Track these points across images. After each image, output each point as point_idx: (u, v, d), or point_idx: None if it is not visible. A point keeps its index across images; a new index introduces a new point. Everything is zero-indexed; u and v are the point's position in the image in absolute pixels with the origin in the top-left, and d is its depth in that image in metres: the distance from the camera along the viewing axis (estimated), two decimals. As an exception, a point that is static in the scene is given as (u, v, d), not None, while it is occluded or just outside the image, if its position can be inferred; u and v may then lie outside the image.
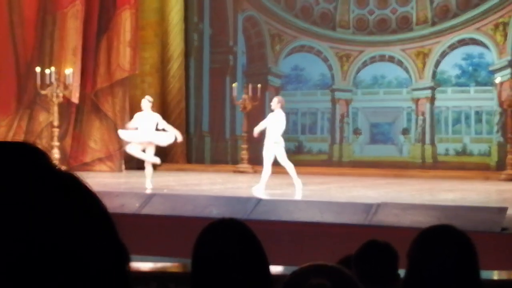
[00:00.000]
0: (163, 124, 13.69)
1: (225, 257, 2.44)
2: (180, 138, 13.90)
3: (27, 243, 0.76)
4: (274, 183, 14.76)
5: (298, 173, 17.58)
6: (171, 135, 13.62)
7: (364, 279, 3.41)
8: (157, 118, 13.73)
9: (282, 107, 13.43)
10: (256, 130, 13.70)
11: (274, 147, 13.15)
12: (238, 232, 2.51)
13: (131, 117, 18.50)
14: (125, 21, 17.95)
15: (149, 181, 13.67)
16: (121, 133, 14.42)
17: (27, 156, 0.83)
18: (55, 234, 0.78)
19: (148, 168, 13.81)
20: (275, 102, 13.50)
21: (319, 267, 1.69)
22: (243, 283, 2.39)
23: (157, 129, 13.61)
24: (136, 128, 13.70)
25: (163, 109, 20.53)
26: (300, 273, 1.66)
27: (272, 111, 13.58)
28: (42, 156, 0.84)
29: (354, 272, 3.51)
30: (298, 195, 12.59)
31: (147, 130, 13.46)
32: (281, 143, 13.24)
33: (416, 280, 2.52)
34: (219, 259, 2.44)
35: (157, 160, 13.94)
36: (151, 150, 13.63)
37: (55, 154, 16.29)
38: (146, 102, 13.80)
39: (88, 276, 0.79)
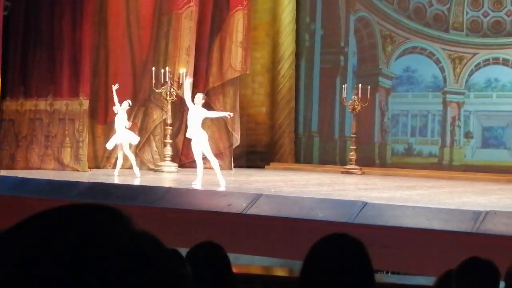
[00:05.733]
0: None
1: (337, 273, 2.51)
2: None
3: None
4: (383, 186, 14.67)
5: (407, 175, 17.47)
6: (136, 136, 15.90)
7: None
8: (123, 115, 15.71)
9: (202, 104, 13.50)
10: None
11: (197, 143, 13.28)
12: (353, 250, 2.57)
13: (241, 115, 18.87)
14: (238, 21, 18.21)
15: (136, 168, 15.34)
16: (108, 145, 15.91)
17: (109, 218, 0.89)
18: None
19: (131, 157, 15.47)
20: (200, 98, 13.50)
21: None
22: None
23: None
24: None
25: (272, 108, 20.72)
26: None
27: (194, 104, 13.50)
28: (122, 219, 0.90)
29: None
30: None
31: (119, 132, 15.46)
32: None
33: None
34: (332, 273, 2.51)
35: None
36: (126, 147, 15.51)
37: (168, 151, 16.73)
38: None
39: None
